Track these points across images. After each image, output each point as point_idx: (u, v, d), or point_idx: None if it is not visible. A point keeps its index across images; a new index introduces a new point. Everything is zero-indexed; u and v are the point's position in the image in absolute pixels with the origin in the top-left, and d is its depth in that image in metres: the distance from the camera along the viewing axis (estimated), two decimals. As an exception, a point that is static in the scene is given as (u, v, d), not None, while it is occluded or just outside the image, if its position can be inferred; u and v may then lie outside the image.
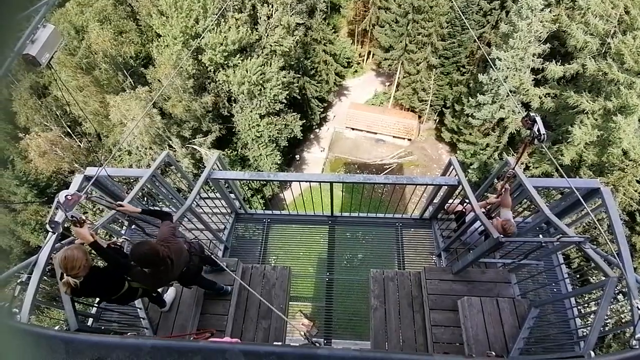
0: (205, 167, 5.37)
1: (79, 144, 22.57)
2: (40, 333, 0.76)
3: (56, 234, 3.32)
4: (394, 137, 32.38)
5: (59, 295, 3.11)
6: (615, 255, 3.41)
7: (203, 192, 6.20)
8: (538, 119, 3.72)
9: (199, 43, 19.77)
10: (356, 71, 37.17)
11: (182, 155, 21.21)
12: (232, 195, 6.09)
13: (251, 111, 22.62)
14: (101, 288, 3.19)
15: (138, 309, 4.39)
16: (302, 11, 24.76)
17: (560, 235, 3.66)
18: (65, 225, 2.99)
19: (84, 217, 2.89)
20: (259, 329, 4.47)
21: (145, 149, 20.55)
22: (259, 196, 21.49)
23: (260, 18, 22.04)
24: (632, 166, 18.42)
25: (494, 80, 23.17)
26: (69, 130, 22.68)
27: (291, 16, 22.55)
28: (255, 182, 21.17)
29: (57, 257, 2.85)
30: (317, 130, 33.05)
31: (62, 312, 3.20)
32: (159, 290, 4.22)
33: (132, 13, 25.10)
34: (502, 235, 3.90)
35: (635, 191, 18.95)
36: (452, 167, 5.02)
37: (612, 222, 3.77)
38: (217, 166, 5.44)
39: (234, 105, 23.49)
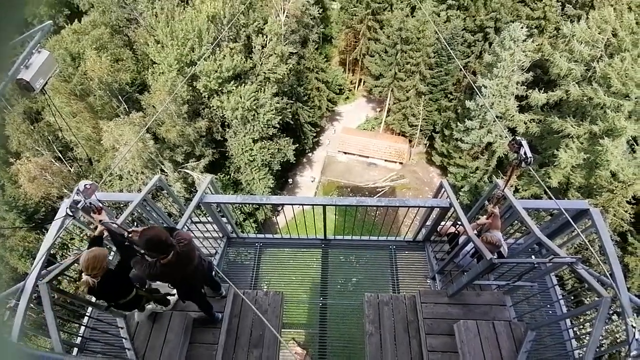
0: (197, 191, 5.36)
1: (69, 169, 22.33)
2: (32, 353, 0.74)
3: (62, 224, 3.58)
4: (385, 160, 32.82)
5: (46, 323, 3.09)
6: (608, 275, 3.43)
7: (195, 216, 6.12)
8: (524, 142, 3.85)
9: (194, 70, 20.24)
10: (348, 97, 38.19)
11: (174, 179, 21.09)
12: (224, 219, 6.03)
13: (244, 136, 22.84)
14: (113, 290, 3.44)
15: (123, 339, 4.21)
16: (296, 41, 25.72)
17: (552, 256, 3.68)
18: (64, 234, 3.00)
19: (100, 205, 3.19)
20: (250, 358, 4.30)
21: (137, 173, 20.41)
22: (251, 220, 21.28)
23: (254, 47, 22.79)
24: (621, 187, 18.75)
25: (481, 106, 23.97)
26: (60, 155, 22.51)
27: (285, 46, 23.37)
28: (247, 205, 21.02)
29: (83, 257, 3.14)
30: (310, 154, 33.38)
31: (49, 340, 3.11)
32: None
33: (129, 42, 25.75)
34: (495, 257, 3.91)
35: (626, 212, 19.21)
36: (443, 189, 5.08)
37: (603, 243, 3.82)
38: (209, 190, 5.42)
39: (227, 130, 23.74)
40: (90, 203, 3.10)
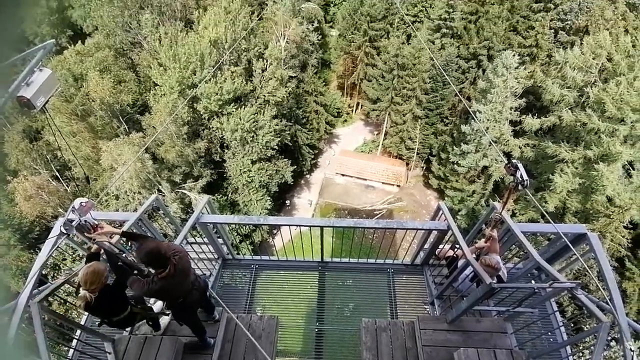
0: (193, 212, 5.34)
1: (66, 188, 22.22)
2: None
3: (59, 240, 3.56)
4: (383, 183, 32.92)
5: (37, 344, 3.09)
6: (608, 300, 3.39)
7: (190, 236, 6.04)
8: (520, 165, 3.90)
9: (194, 92, 20.62)
10: (346, 120, 38.79)
11: (170, 199, 20.97)
12: (220, 240, 5.95)
13: (243, 157, 22.96)
14: (108, 307, 3.47)
15: (111, 366, 4.04)
16: (295, 66, 26.39)
17: (552, 281, 3.63)
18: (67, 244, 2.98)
19: (96, 222, 3.21)
20: (242, 387, 4.12)
21: (134, 193, 20.30)
22: (247, 242, 21.01)
23: (255, 71, 23.33)
24: (618, 212, 18.66)
25: (476, 130, 24.36)
26: (58, 174, 22.47)
27: (284, 70, 23.95)
28: (244, 227, 20.81)
29: (82, 271, 3.20)
30: (307, 176, 33.47)
31: None
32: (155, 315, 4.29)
33: (132, 64, 26.32)
34: (494, 281, 3.86)
35: (623, 237, 19.06)
36: (441, 211, 5.08)
37: (602, 267, 3.79)
38: (206, 210, 5.38)
39: (226, 151, 23.88)
40: (85, 221, 3.07)
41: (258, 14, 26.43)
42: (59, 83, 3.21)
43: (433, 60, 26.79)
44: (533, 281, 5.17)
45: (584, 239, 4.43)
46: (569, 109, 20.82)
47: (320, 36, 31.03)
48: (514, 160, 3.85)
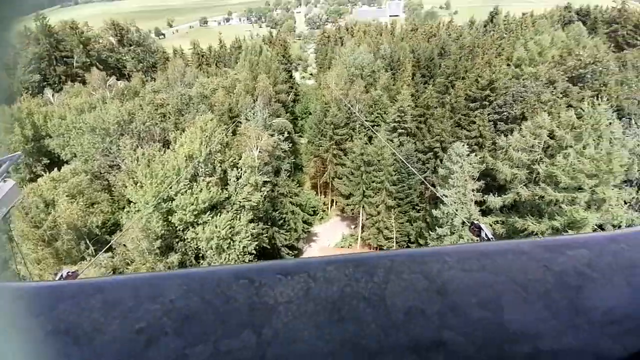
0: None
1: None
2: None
3: None
4: (368, 277, 31.73)
5: None
6: None
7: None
8: (483, 225, 4.06)
9: (169, 206, 20.76)
10: (322, 218, 39.43)
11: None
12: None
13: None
14: None
15: None
16: (269, 171, 27.97)
17: None
18: None
19: None
20: None
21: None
22: None
23: (230, 179, 24.34)
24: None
25: (446, 213, 25.39)
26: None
27: (258, 176, 25.20)
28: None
29: None
30: (289, 279, 31.87)
31: None
32: None
33: (108, 185, 26.79)
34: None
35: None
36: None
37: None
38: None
39: (201, 261, 22.88)
40: None
41: (232, 130, 29.06)
42: (20, 194, 3.26)
43: (396, 155, 29.41)
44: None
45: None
46: (523, 185, 22.63)
47: (291, 144, 33.93)
48: (475, 222, 4.04)
